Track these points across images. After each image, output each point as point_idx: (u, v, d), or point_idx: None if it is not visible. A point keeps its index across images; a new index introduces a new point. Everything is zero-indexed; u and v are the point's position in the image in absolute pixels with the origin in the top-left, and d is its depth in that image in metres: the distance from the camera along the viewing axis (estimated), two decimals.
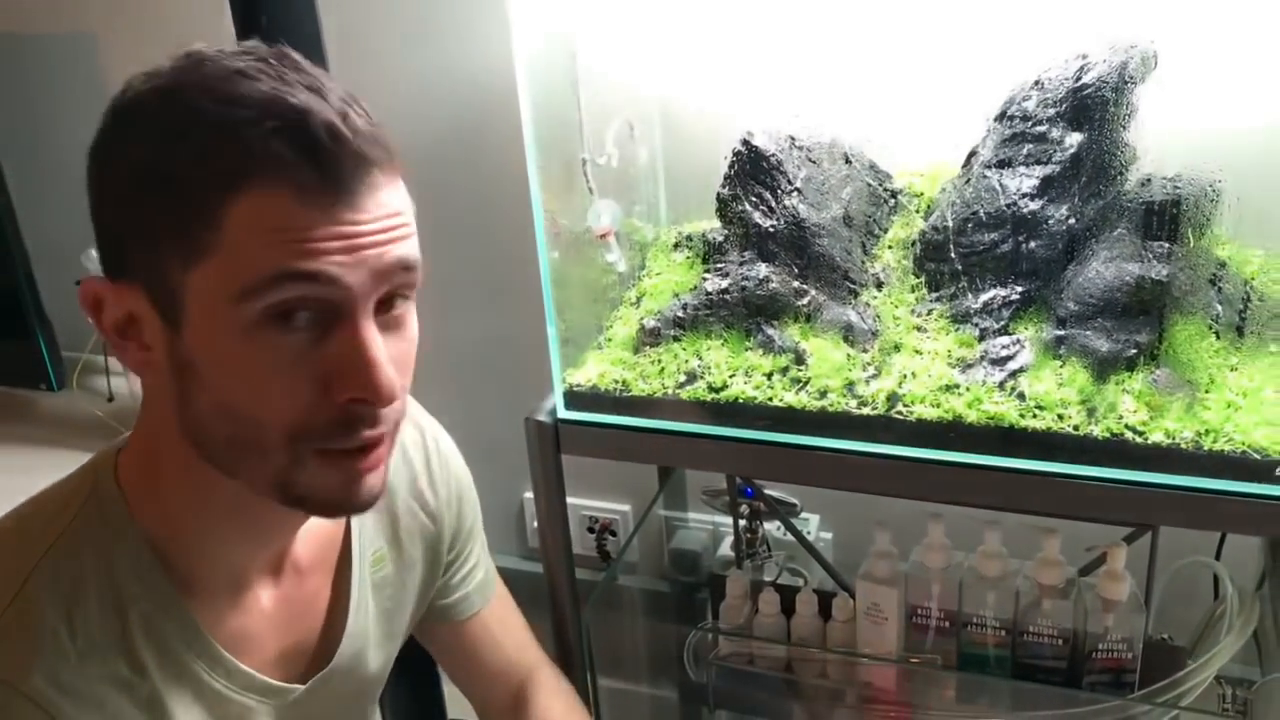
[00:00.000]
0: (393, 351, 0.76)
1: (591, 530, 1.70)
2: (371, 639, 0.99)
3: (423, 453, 1.05)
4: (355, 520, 0.97)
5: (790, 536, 1.40)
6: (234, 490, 0.79)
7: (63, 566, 0.79)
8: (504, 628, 1.16)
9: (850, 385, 1.05)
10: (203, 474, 0.79)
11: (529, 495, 1.75)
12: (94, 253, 1.65)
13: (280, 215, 0.69)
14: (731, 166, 1.12)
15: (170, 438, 0.79)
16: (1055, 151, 1.02)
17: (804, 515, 1.50)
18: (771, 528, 1.45)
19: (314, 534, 0.94)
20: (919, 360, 1.05)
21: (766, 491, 1.36)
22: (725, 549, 1.57)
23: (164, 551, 0.82)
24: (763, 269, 1.10)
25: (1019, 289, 1.04)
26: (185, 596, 0.83)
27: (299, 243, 0.70)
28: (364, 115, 0.73)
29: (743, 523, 1.40)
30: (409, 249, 0.76)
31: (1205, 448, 0.94)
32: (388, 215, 0.74)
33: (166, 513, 0.82)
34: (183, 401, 0.76)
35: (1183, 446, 0.95)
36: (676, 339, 1.13)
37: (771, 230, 1.10)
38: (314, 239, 0.70)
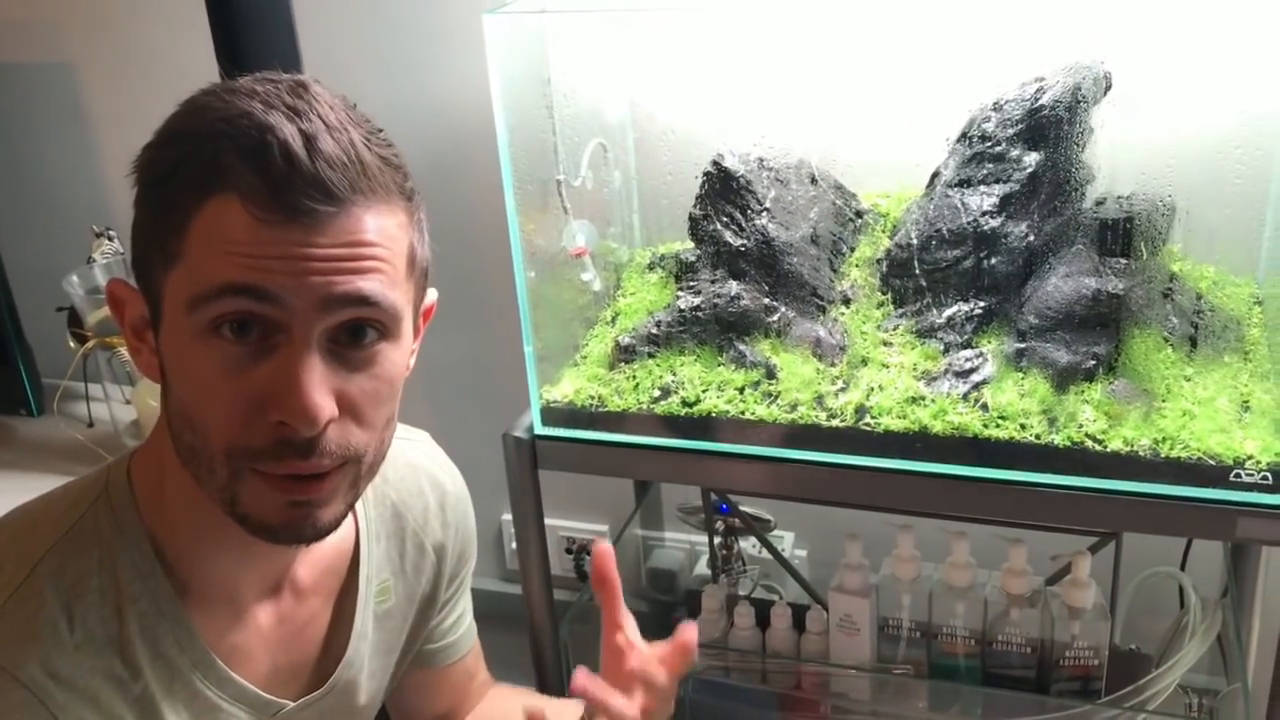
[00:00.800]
0: (351, 386, 0.75)
1: (569, 551, 1.72)
2: (367, 669, 0.99)
3: (439, 493, 1.05)
4: (365, 547, 0.97)
5: (765, 553, 1.43)
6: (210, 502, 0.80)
7: (68, 560, 0.81)
8: (477, 668, 1.16)
9: (820, 398, 1.08)
10: (184, 487, 0.80)
11: (507, 517, 1.77)
12: (75, 278, 1.65)
13: (232, 227, 0.70)
14: (703, 187, 1.15)
15: (170, 445, 0.81)
16: (1014, 171, 1.05)
17: (779, 532, 1.52)
18: (747, 545, 1.47)
19: (318, 557, 0.94)
20: (886, 374, 1.08)
21: (741, 508, 1.38)
22: (702, 568, 1.59)
23: (166, 555, 0.84)
24: (734, 286, 1.12)
25: (981, 304, 1.07)
26: (184, 601, 0.84)
27: (245, 257, 0.70)
28: (350, 144, 0.73)
29: (718, 539, 1.42)
30: (370, 284, 0.74)
31: (1163, 455, 0.97)
32: (351, 244, 0.73)
33: (169, 516, 0.84)
34: (165, 405, 0.79)
35: (1141, 454, 0.98)
36: (651, 355, 1.15)
37: (742, 249, 1.13)
38: (260, 255, 0.70)
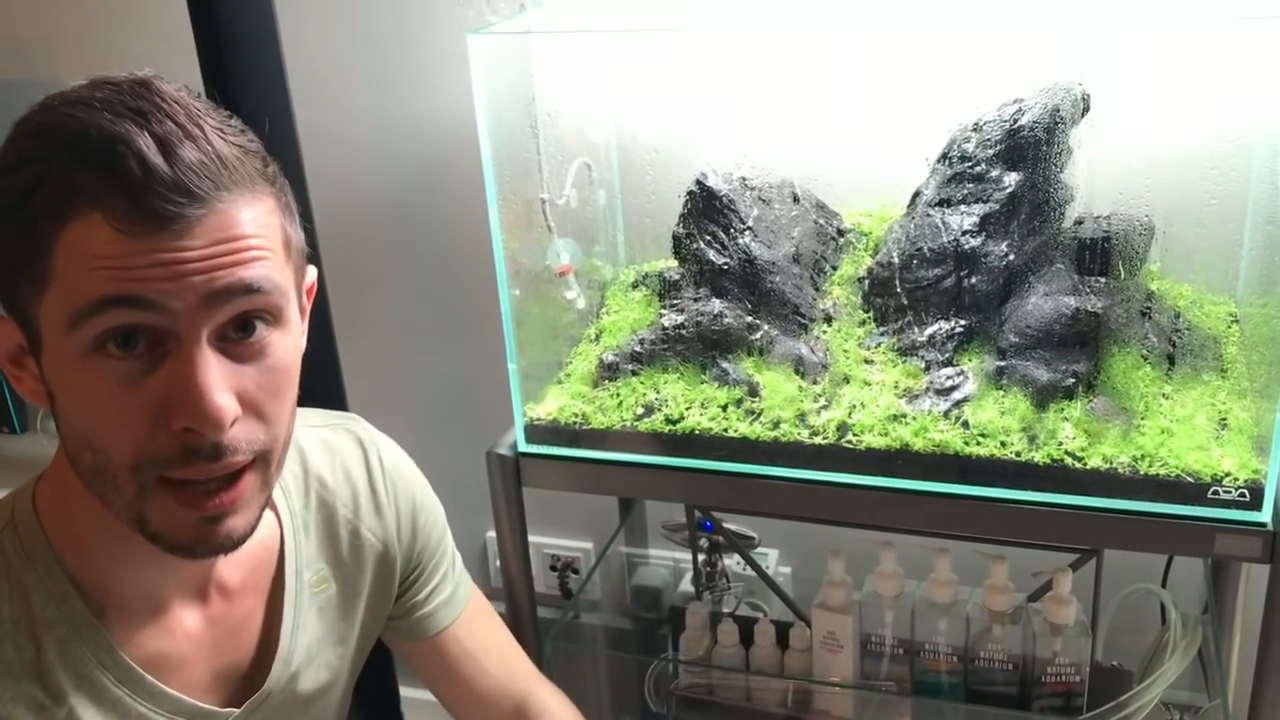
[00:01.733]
0: (247, 380, 0.75)
1: (554, 568, 1.72)
2: (315, 661, 0.98)
3: (364, 472, 1.03)
4: (290, 541, 0.96)
5: (749, 570, 1.43)
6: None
7: None
8: (484, 647, 1.13)
9: (802, 416, 1.08)
10: (87, 500, 0.79)
11: (491, 535, 1.77)
12: None
13: (99, 243, 0.69)
14: (686, 205, 1.16)
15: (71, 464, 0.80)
16: (994, 191, 1.06)
17: (762, 549, 1.52)
18: (731, 562, 1.48)
19: (243, 556, 0.92)
20: (868, 391, 1.08)
21: (725, 525, 1.39)
22: (686, 585, 1.59)
23: (78, 576, 0.83)
24: (717, 305, 1.13)
25: (962, 322, 1.08)
26: (100, 619, 0.83)
27: (117, 269, 0.69)
28: (206, 142, 0.72)
29: (702, 556, 1.42)
30: (254, 272, 0.73)
31: (1142, 472, 0.98)
32: (226, 240, 0.72)
33: (78, 538, 0.83)
34: (60, 429, 0.78)
35: (1120, 471, 0.99)
36: (634, 373, 1.16)
37: (725, 267, 1.13)
38: (131, 265, 0.69)
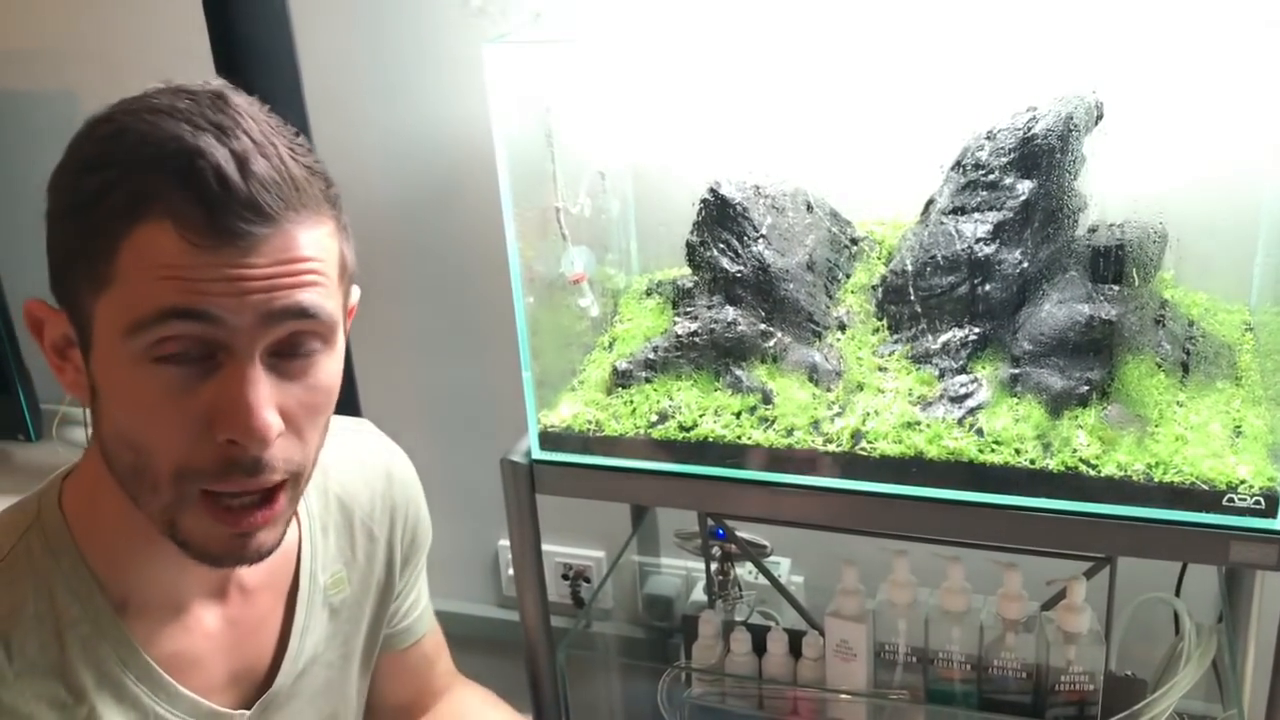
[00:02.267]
0: (291, 399, 0.77)
1: (566, 577, 1.72)
2: (322, 661, 0.99)
3: (384, 480, 1.06)
4: (308, 543, 0.98)
5: (761, 579, 1.43)
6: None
7: (3, 590, 0.81)
8: (435, 653, 1.17)
9: (816, 423, 1.08)
10: (117, 499, 0.81)
11: (503, 543, 1.77)
12: None
13: (167, 253, 0.71)
14: (700, 214, 1.16)
15: (102, 464, 0.81)
16: (1008, 199, 1.07)
17: (775, 558, 1.52)
18: (743, 571, 1.48)
19: None
20: (881, 399, 1.09)
21: (738, 534, 1.39)
22: (698, 594, 1.59)
23: (101, 574, 0.84)
24: (731, 312, 1.13)
25: (976, 330, 1.08)
26: (123, 617, 0.85)
27: (183, 281, 0.71)
28: (280, 161, 0.73)
29: (714, 565, 1.43)
30: (310, 297, 0.76)
31: (1156, 479, 0.98)
32: (288, 261, 0.74)
33: (103, 536, 0.84)
34: (98, 426, 0.80)
35: (1134, 478, 0.98)
36: (648, 380, 1.16)
37: (739, 275, 1.14)
38: (198, 278, 0.71)
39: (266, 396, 0.74)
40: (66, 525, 0.84)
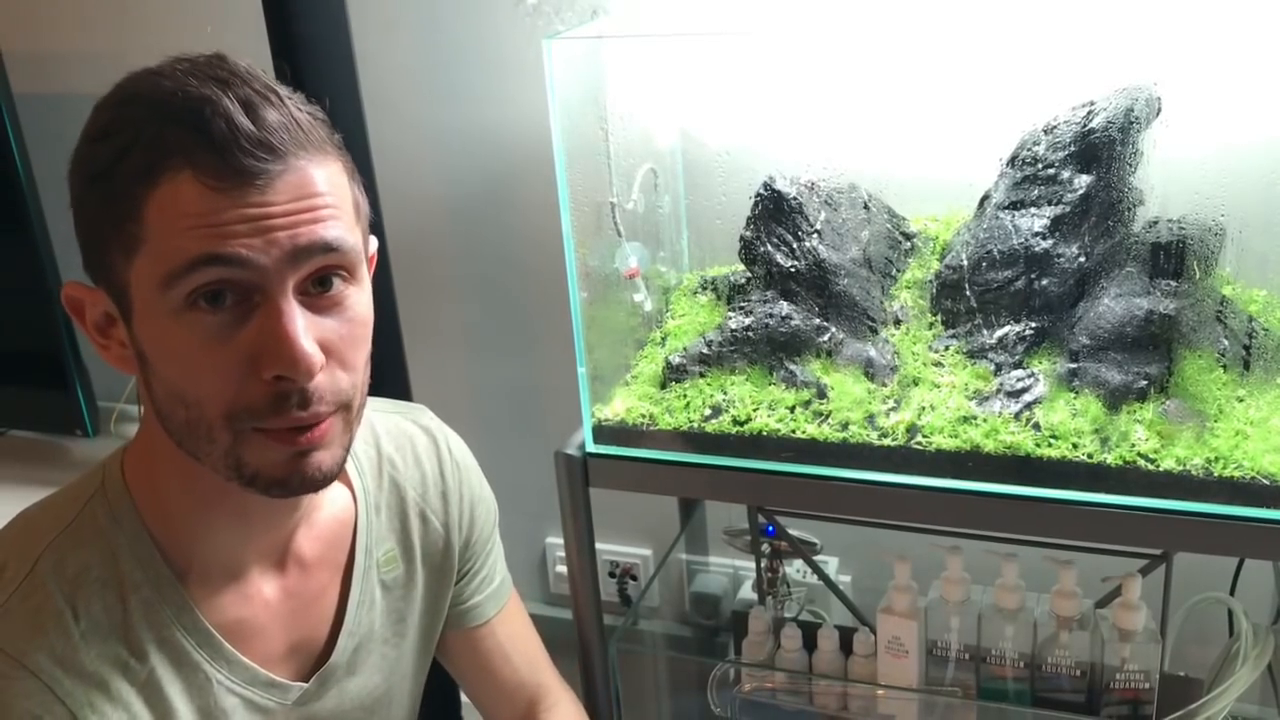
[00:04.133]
0: (329, 331, 0.80)
1: (613, 575, 1.73)
2: (378, 637, 1.01)
3: (435, 461, 1.07)
4: (363, 518, 1.00)
5: (810, 578, 1.43)
6: (215, 476, 0.83)
7: (69, 554, 0.84)
8: (515, 640, 1.17)
9: (871, 418, 1.09)
10: (187, 461, 0.83)
11: (551, 540, 1.78)
12: None
13: (190, 202, 0.74)
14: (754, 209, 1.17)
15: (160, 428, 0.84)
16: (1065, 193, 1.06)
17: (823, 557, 1.52)
18: (791, 570, 1.48)
19: (320, 530, 0.98)
20: (937, 393, 1.09)
21: (788, 531, 1.39)
22: (746, 591, 1.60)
23: (163, 540, 0.87)
24: (785, 307, 1.14)
25: (1032, 324, 1.08)
26: (184, 583, 0.87)
27: (209, 227, 0.74)
28: (283, 107, 0.77)
29: (764, 562, 1.43)
30: (332, 230, 0.78)
31: (1215, 474, 0.97)
32: (305, 197, 0.77)
33: (162, 502, 0.87)
34: (150, 392, 0.82)
35: (1193, 474, 0.98)
36: (701, 375, 1.17)
37: (793, 270, 1.14)
38: (222, 223, 0.74)
39: (304, 329, 0.77)
40: (128, 493, 0.87)
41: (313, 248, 0.77)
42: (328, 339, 0.79)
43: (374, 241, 0.90)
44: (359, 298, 0.83)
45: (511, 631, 1.17)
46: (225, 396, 0.77)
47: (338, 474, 0.84)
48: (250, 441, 0.79)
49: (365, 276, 0.85)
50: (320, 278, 0.79)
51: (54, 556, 0.83)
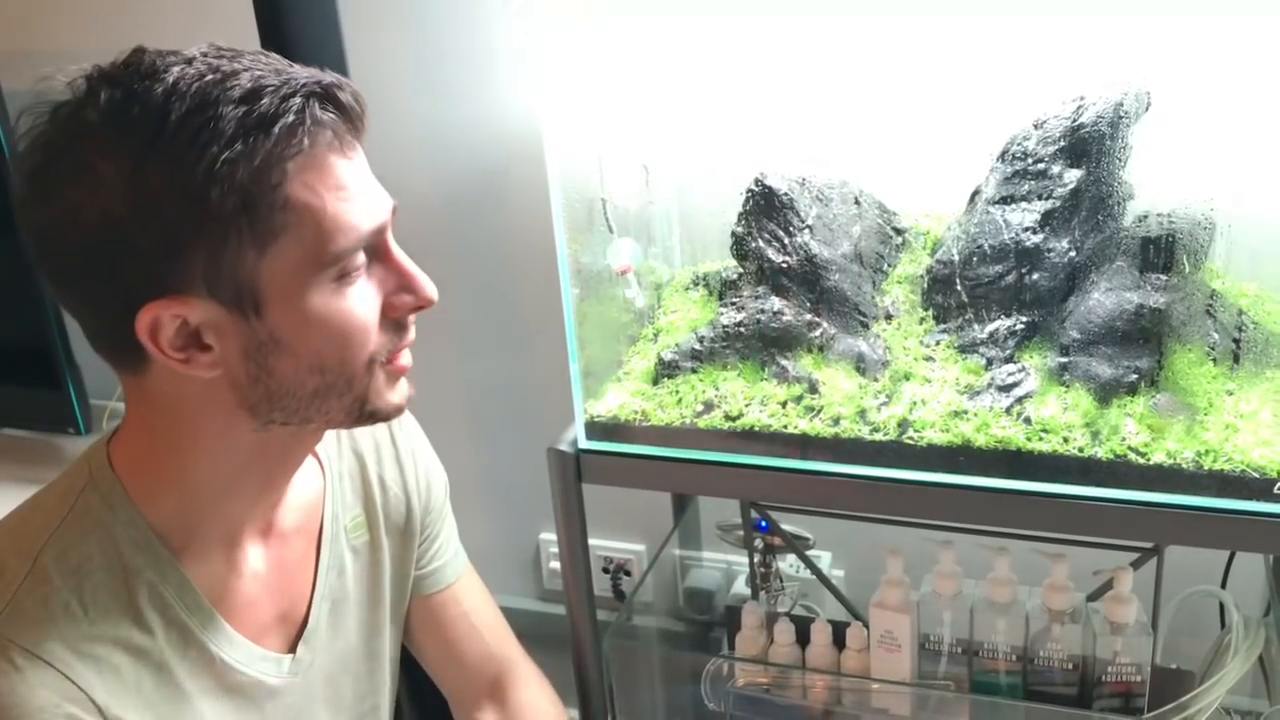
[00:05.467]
0: None
1: (606, 570, 1.73)
2: (354, 601, 1.05)
3: (387, 431, 1.12)
4: (330, 486, 1.04)
5: (803, 573, 1.43)
6: (254, 445, 0.87)
7: (69, 545, 0.85)
8: (478, 611, 1.20)
9: (862, 412, 1.09)
10: (213, 441, 0.86)
11: (544, 536, 1.78)
12: None
13: (333, 175, 0.78)
14: (746, 204, 1.17)
15: (172, 421, 0.85)
16: (1055, 188, 1.07)
17: (816, 552, 1.52)
18: (784, 565, 1.48)
19: (296, 499, 1.01)
20: (928, 388, 1.09)
21: (781, 526, 1.39)
22: (739, 586, 1.60)
23: (158, 524, 0.88)
24: (776, 302, 1.14)
25: (1023, 319, 1.08)
26: (181, 562, 0.90)
27: (356, 196, 0.80)
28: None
29: (756, 557, 1.43)
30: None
31: (1206, 468, 0.98)
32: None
33: (158, 488, 0.88)
34: (255, 379, 0.82)
35: (1184, 467, 0.98)
36: (694, 371, 1.17)
37: (784, 265, 1.14)
38: (360, 192, 0.81)
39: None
40: (120, 482, 0.88)
41: (388, 205, 0.86)
42: None
43: None
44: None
45: (475, 604, 1.20)
46: (370, 346, 0.84)
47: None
48: (377, 379, 0.86)
49: None
50: None
51: (55, 549, 0.84)
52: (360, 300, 0.83)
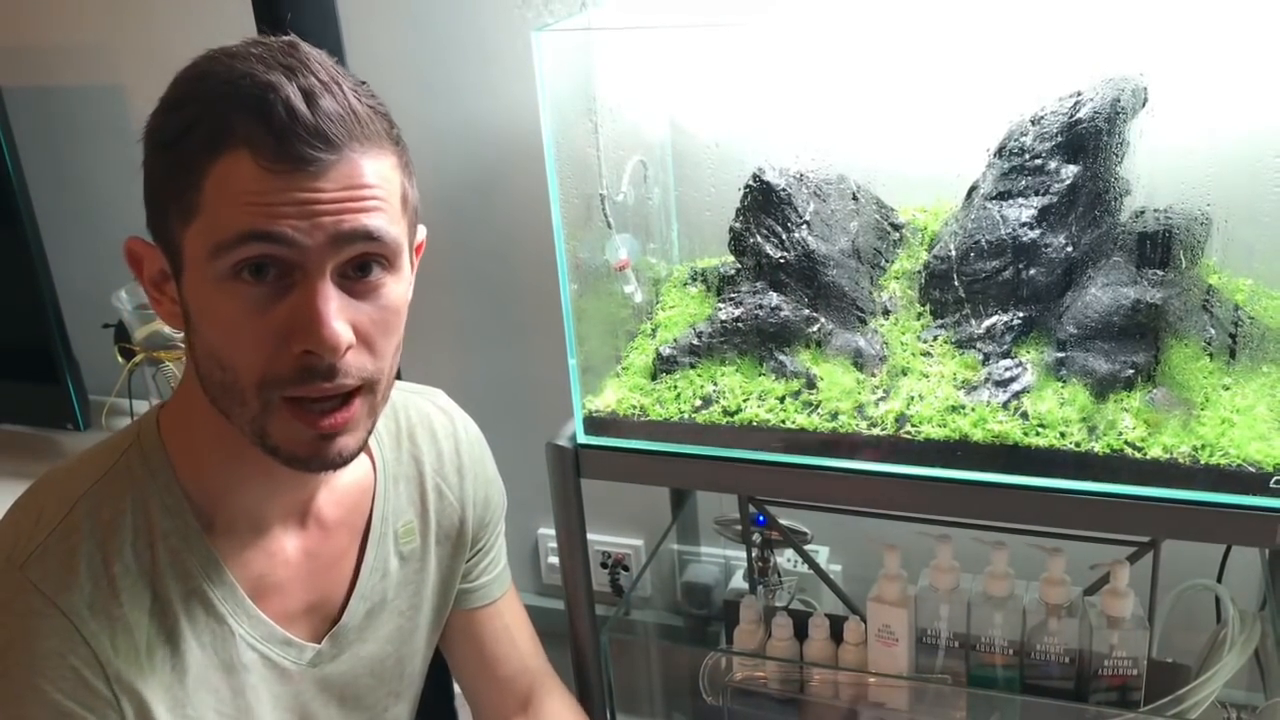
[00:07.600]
0: (361, 315, 0.83)
1: (605, 565, 1.74)
2: (392, 608, 1.05)
3: (452, 440, 1.11)
4: (382, 487, 1.04)
5: (800, 568, 1.44)
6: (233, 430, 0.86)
7: (104, 500, 0.87)
8: (518, 626, 1.19)
9: (860, 407, 1.09)
10: (220, 417, 0.86)
11: (543, 531, 1.79)
12: (124, 294, 1.69)
13: (245, 180, 0.77)
14: (744, 200, 1.17)
15: (196, 390, 0.87)
16: (1052, 183, 1.07)
17: (813, 546, 1.53)
18: (782, 560, 1.49)
19: (341, 494, 1.01)
20: (926, 383, 1.09)
21: (778, 520, 1.40)
22: (737, 581, 1.60)
23: (193, 493, 0.90)
24: (774, 298, 1.14)
25: (1020, 314, 1.08)
26: (210, 535, 0.91)
27: (260, 205, 0.77)
28: (344, 98, 0.80)
29: (754, 551, 1.43)
30: (375, 221, 0.81)
31: (1202, 462, 0.98)
32: (354, 187, 0.80)
33: (196, 456, 0.90)
34: (192, 350, 0.86)
35: (1180, 461, 0.99)
36: (692, 366, 1.17)
37: (782, 261, 1.15)
38: (273, 203, 0.77)
39: (336, 310, 0.80)
40: (163, 447, 0.90)
41: (354, 235, 0.80)
42: (360, 322, 0.83)
43: (422, 231, 0.94)
44: (395, 287, 0.86)
45: (515, 619, 1.19)
46: (258, 365, 0.81)
47: (356, 455, 0.88)
48: (278, 414, 0.83)
49: (406, 266, 0.88)
50: (361, 264, 0.82)
51: (89, 503, 0.87)
52: (244, 305, 0.79)
